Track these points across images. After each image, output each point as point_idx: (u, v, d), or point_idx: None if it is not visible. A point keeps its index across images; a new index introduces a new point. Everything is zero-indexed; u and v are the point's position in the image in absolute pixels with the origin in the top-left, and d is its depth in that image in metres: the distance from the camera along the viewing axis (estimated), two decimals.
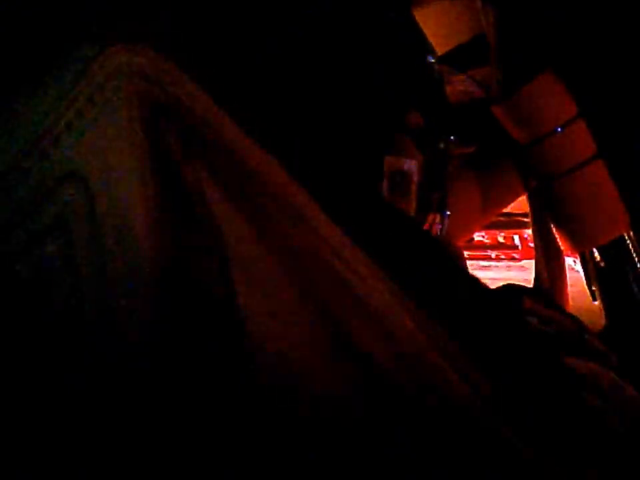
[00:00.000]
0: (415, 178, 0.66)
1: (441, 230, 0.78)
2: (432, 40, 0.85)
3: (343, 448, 0.36)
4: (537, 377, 0.45)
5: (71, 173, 0.35)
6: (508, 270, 1.25)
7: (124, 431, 0.34)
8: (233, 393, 0.35)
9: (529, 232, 1.13)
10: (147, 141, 0.36)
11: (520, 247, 1.24)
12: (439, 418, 0.38)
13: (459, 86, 1.01)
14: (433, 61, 0.69)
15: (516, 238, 1.24)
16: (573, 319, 0.64)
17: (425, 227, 0.74)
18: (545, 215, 0.97)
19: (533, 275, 1.00)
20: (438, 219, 0.76)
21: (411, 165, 0.66)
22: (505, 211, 1.06)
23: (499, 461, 0.39)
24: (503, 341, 0.45)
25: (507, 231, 1.23)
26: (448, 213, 0.78)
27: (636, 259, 0.94)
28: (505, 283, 0.68)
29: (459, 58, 1.02)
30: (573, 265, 1.02)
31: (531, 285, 0.99)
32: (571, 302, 1.02)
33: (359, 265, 0.39)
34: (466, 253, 1.00)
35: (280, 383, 0.35)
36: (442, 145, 0.71)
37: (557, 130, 0.90)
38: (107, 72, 0.36)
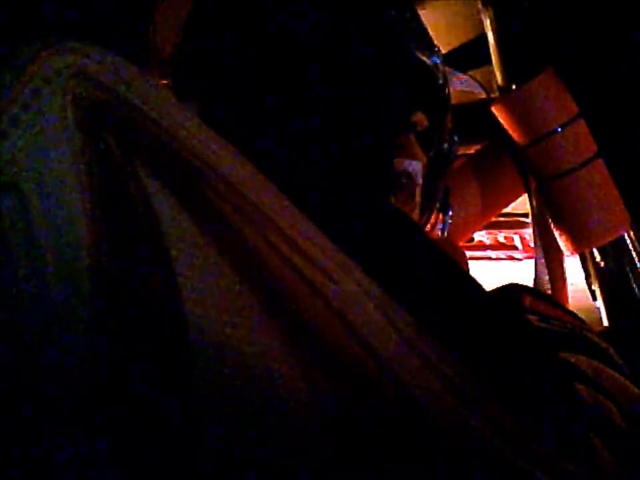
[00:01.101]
0: (420, 179, 0.66)
1: (443, 230, 0.78)
2: None
3: (305, 444, 0.36)
4: (535, 375, 0.45)
5: (7, 184, 0.34)
6: (508, 270, 1.25)
7: (55, 427, 0.33)
8: (174, 392, 0.34)
9: (529, 232, 1.13)
10: (84, 147, 0.35)
11: (520, 247, 1.24)
12: (405, 417, 0.37)
13: (458, 86, 1.01)
14: (438, 61, 0.69)
15: (516, 238, 1.24)
16: (575, 316, 0.64)
17: (428, 227, 0.74)
18: (544, 214, 0.97)
19: (533, 275, 1.00)
20: (441, 218, 0.77)
21: (416, 166, 0.66)
22: (504, 210, 1.06)
23: (476, 468, 0.38)
24: (493, 337, 0.45)
25: (506, 231, 1.23)
26: (451, 212, 0.78)
27: (636, 259, 0.94)
28: (505, 283, 0.68)
29: (459, 58, 1.02)
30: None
31: (531, 285, 0.99)
32: (570, 302, 1.02)
33: (327, 262, 0.38)
34: (466, 253, 0.99)
35: (229, 382, 0.35)
36: (446, 146, 0.71)
37: (556, 130, 0.90)
38: (45, 75, 0.35)
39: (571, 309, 0.95)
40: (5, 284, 0.33)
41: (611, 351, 0.57)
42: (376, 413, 0.37)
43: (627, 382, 0.52)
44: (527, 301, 0.61)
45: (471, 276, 0.52)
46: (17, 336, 0.33)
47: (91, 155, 0.35)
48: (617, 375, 0.52)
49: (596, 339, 0.57)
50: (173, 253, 0.35)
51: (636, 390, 0.52)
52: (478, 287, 0.50)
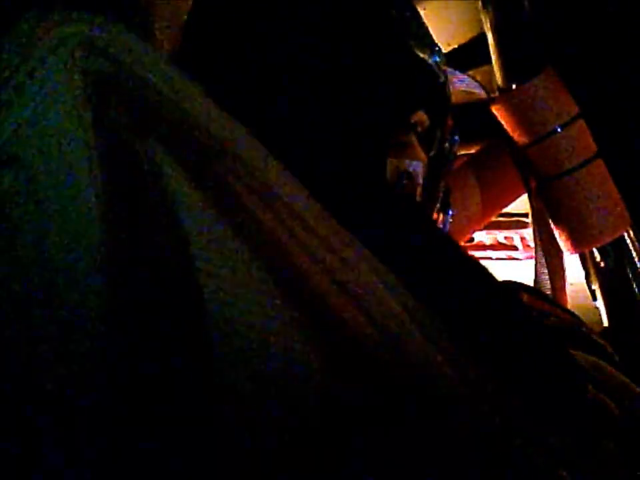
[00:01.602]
0: (420, 179, 0.66)
1: (443, 230, 0.78)
2: None
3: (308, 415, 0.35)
4: (548, 369, 0.45)
5: (10, 157, 0.32)
6: (508, 270, 1.25)
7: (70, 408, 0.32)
8: (193, 375, 0.33)
9: (529, 232, 1.13)
10: (93, 119, 0.32)
11: (520, 247, 1.24)
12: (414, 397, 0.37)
13: (459, 86, 1.01)
14: (438, 60, 0.69)
15: (516, 238, 1.23)
16: (572, 314, 0.64)
17: None
18: (544, 214, 0.97)
19: (533, 275, 1.00)
20: (441, 218, 0.76)
21: (417, 166, 0.66)
22: (505, 210, 1.06)
23: (481, 452, 0.38)
24: (506, 329, 0.45)
25: (506, 231, 1.23)
26: (451, 212, 0.78)
27: (636, 259, 0.95)
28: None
29: (459, 58, 1.02)
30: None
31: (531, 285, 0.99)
32: (570, 302, 1.02)
33: (344, 250, 0.37)
34: None
35: (249, 363, 0.34)
36: (447, 145, 0.71)
37: (556, 130, 0.90)
38: (50, 44, 0.33)
39: (570, 308, 0.95)
40: (10, 267, 0.32)
41: (609, 349, 0.57)
42: (392, 400, 0.36)
43: (625, 379, 0.52)
44: (525, 298, 0.61)
45: (484, 267, 0.51)
46: (23, 318, 0.32)
47: (101, 128, 0.33)
48: (615, 371, 0.52)
49: (594, 336, 0.57)
50: (189, 233, 0.33)
51: (635, 387, 0.53)
52: (492, 278, 0.50)
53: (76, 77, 0.33)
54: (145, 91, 0.34)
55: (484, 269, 0.49)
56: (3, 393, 0.32)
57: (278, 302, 0.35)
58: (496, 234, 1.24)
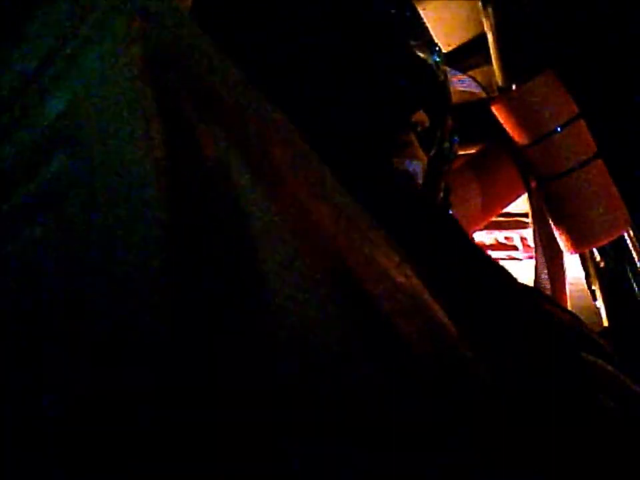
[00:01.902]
0: (420, 179, 0.66)
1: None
2: None
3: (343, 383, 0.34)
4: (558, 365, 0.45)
5: (63, 137, 0.28)
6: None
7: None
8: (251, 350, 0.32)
9: (529, 232, 1.13)
10: (155, 95, 0.29)
11: (520, 247, 1.24)
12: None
13: (459, 86, 1.01)
14: (438, 60, 0.69)
15: (516, 238, 1.24)
16: (572, 314, 0.64)
17: None
18: (544, 214, 0.97)
19: (533, 275, 1.00)
20: None
21: (417, 166, 0.66)
22: (505, 210, 1.06)
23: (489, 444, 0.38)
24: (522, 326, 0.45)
25: (506, 231, 1.24)
26: (451, 212, 0.78)
27: (636, 259, 0.95)
28: None
29: (459, 58, 1.02)
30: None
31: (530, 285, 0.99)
32: (570, 302, 1.02)
33: (391, 252, 0.36)
34: None
35: (296, 349, 0.33)
36: (447, 145, 0.71)
37: (556, 130, 0.90)
38: (104, 9, 0.29)
39: (570, 309, 0.95)
40: (68, 263, 0.29)
41: (609, 349, 0.57)
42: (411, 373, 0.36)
43: (627, 380, 0.52)
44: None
45: (507, 272, 0.51)
46: (83, 315, 0.29)
47: (163, 106, 0.30)
48: (615, 371, 0.52)
49: (594, 336, 0.57)
50: (253, 233, 0.31)
51: (635, 387, 0.53)
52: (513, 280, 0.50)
53: (135, 46, 0.29)
54: (201, 67, 0.32)
55: (496, 264, 0.49)
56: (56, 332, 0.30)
57: (325, 290, 0.33)
58: (496, 234, 1.24)
